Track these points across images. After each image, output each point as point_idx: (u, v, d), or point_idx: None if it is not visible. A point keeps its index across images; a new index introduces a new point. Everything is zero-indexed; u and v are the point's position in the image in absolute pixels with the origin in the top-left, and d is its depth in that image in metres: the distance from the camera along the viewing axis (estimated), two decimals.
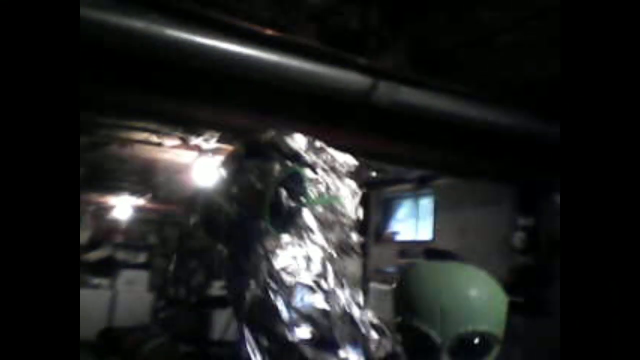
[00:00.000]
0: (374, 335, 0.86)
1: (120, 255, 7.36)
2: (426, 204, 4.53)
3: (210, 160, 4.09)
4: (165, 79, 2.14)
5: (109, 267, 6.99)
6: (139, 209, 6.80)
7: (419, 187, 4.37)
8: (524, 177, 3.11)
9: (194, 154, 4.12)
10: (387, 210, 5.00)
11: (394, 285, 1.14)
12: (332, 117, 2.16)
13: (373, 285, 4.23)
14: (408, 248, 4.50)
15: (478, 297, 1.04)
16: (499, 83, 2.24)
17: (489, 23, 2.06)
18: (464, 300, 1.02)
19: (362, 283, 0.96)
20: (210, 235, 0.94)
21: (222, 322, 4.71)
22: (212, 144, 3.91)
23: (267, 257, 0.82)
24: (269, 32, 2.01)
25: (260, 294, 0.79)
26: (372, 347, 0.84)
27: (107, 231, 7.46)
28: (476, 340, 1.01)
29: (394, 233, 4.89)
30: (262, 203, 0.86)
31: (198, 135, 3.78)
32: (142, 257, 7.38)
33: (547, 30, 1.91)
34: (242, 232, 0.86)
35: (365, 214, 1.07)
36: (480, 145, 2.56)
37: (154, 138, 3.99)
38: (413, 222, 4.71)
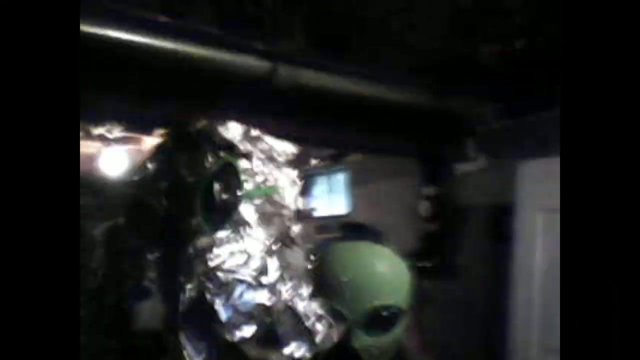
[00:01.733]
0: (319, 327, 0.83)
1: None
2: (340, 179, 4.65)
3: (117, 150, 3.92)
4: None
5: None
6: None
7: (332, 164, 4.46)
8: (425, 151, 3.27)
9: (98, 144, 3.93)
10: (304, 188, 5.06)
11: (310, 267, 1.14)
12: (235, 104, 2.15)
13: None
14: (326, 223, 4.60)
15: (384, 273, 1.09)
16: (396, 63, 2.33)
17: (383, 4, 2.13)
18: (371, 276, 1.08)
19: (306, 273, 0.92)
20: (138, 236, 0.85)
21: (145, 312, 4.59)
22: (117, 133, 3.75)
23: (202, 255, 0.76)
24: (164, 19, 1.96)
25: (196, 295, 0.75)
26: (318, 339, 0.82)
27: None
28: (385, 314, 1.06)
29: (312, 209, 4.98)
30: (193, 198, 0.79)
31: (100, 125, 3.60)
32: None
33: (438, 11, 2.01)
34: (173, 231, 0.80)
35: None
36: (382, 122, 2.66)
37: None
38: (328, 198, 4.82)
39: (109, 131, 3.79)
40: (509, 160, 2.90)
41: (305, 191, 5.15)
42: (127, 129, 3.69)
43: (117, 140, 3.83)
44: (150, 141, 4.19)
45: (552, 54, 2.17)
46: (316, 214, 4.92)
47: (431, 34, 2.02)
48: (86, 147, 4.17)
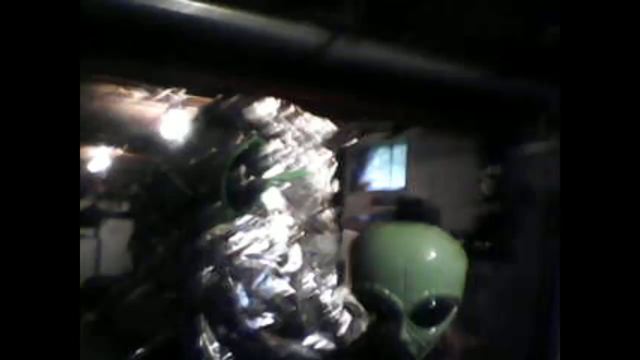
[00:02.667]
0: (346, 317, 0.78)
1: (103, 205, 7.33)
2: (400, 152, 4.54)
3: (180, 112, 4.03)
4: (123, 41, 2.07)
5: (92, 217, 6.98)
6: (118, 160, 6.74)
7: (393, 135, 4.36)
8: (488, 130, 3.11)
9: (164, 106, 4.05)
10: (361, 159, 5.01)
11: (350, 249, 1.07)
12: (288, 75, 2.12)
13: (346, 232, 4.30)
14: (382, 196, 4.55)
15: (442, 260, 1.01)
16: (460, 38, 2.20)
17: None
18: (428, 263, 0.99)
19: (337, 261, 0.86)
20: (156, 212, 0.83)
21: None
22: (181, 95, 3.84)
23: (224, 239, 0.73)
24: None
25: (216, 279, 0.72)
26: (343, 330, 0.77)
27: (87, 182, 7.43)
28: (439, 304, 0.98)
29: (368, 181, 4.93)
30: (219, 180, 0.76)
31: (165, 87, 3.70)
32: (124, 207, 7.37)
33: None
34: (195, 212, 0.77)
35: (341, 162, 0.99)
36: (442, 98, 2.55)
37: (122, 90, 3.91)
38: (387, 171, 4.74)
39: (174, 93, 3.91)
40: None
41: (363, 162, 5.08)
42: (190, 92, 3.78)
43: (181, 103, 3.93)
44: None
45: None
46: (373, 186, 4.87)
47: (494, 9, 1.88)
48: (153, 107, 4.32)
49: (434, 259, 1.01)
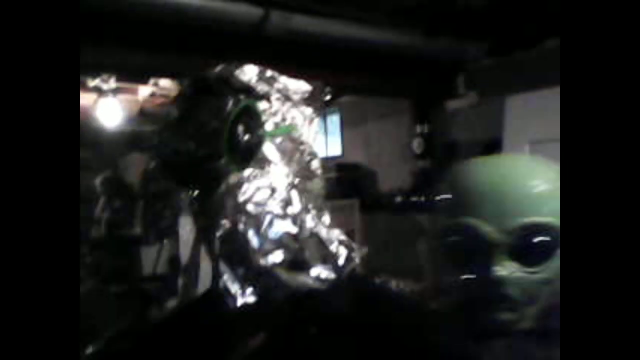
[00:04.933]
0: (342, 251, 0.88)
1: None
2: (333, 121, 4.73)
3: (112, 101, 3.97)
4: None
5: None
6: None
7: (326, 105, 4.52)
8: (416, 90, 3.34)
9: (94, 95, 3.97)
10: None
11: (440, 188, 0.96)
12: (227, 51, 2.21)
13: None
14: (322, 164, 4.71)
15: (537, 183, 0.87)
16: (387, 6, 2.38)
17: None
18: (522, 187, 0.86)
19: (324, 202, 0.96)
20: (167, 178, 0.91)
21: (151, 258, 4.74)
22: (112, 84, 3.79)
23: (232, 192, 0.83)
24: None
25: (230, 227, 0.82)
26: (341, 262, 0.87)
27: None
28: (538, 239, 0.84)
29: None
30: (219, 141, 0.85)
31: (95, 76, 3.64)
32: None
33: None
34: (202, 172, 0.86)
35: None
36: (372, 64, 2.73)
37: None
38: (323, 139, 4.92)
39: (104, 82, 3.84)
40: (497, 96, 2.99)
41: None
42: (122, 79, 3.74)
43: (113, 91, 3.87)
44: (145, 91, 4.20)
45: None
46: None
47: None
48: (82, 98, 4.21)
49: (530, 182, 0.87)
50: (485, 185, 0.85)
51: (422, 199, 3.67)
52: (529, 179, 0.85)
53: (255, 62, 2.04)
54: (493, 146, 2.99)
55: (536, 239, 0.82)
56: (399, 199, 3.76)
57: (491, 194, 0.84)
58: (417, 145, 3.67)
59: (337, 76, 2.96)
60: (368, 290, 0.96)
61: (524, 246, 0.82)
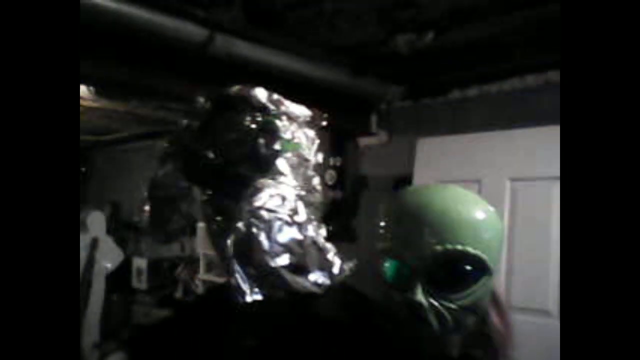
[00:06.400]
0: (337, 260, 0.97)
1: None
2: None
3: None
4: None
5: None
6: None
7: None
8: (335, 125, 3.54)
9: None
10: None
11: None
12: (172, 68, 2.22)
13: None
14: None
15: (459, 212, 0.87)
16: (323, 43, 2.54)
17: None
18: (441, 216, 0.86)
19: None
20: (187, 180, 0.97)
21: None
22: None
23: (248, 198, 0.91)
24: None
25: (245, 230, 0.89)
26: (335, 270, 0.96)
27: None
28: (456, 266, 0.85)
29: None
30: (240, 150, 0.94)
31: None
32: None
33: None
34: (222, 177, 0.94)
35: None
36: (305, 97, 2.86)
37: None
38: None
39: None
40: (408, 136, 3.28)
41: None
42: None
43: None
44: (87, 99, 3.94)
45: (454, 46, 2.52)
46: None
47: (359, 20, 2.26)
48: None
49: (451, 211, 0.87)
50: (410, 211, 0.88)
51: (330, 227, 3.83)
52: (451, 207, 0.87)
53: (199, 81, 2.13)
54: (403, 182, 3.25)
55: (454, 267, 0.85)
56: None
57: (414, 221, 0.87)
58: (329, 176, 3.85)
59: None
60: (360, 298, 1.05)
61: (443, 273, 0.84)
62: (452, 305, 0.86)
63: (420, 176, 3.13)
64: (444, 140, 3.03)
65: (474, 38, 2.36)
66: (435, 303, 0.86)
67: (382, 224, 0.94)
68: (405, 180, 3.21)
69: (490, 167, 2.74)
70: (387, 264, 0.91)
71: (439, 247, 0.85)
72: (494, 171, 2.72)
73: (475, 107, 2.99)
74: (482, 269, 0.87)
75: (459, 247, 0.85)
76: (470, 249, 0.85)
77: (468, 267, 0.86)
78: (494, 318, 0.93)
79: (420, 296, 0.85)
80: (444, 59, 2.69)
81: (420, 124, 3.27)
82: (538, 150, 2.56)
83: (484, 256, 0.86)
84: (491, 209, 0.91)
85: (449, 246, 0.85)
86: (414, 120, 3.32)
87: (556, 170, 2.46)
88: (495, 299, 0.94)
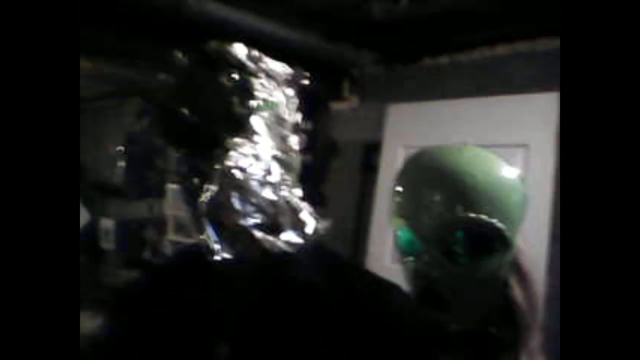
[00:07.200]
0: (311, 220, 0.97)
1: None
2: None
3: None
4: None
5: None
6: None
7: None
8: (312, 89, 3.52)
9: None
10: None
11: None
12: (145, 28, 2.17)
13: None
14: None
15: (473, 177, 0.79)
16: (298, 7, 2.52)
17: None
18: (455, 181, 0.79)
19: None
20: (164, 136, 0.95)
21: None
22: None
23: (222, 157, 0.90)
24: None
25: (217, 189, 0.88)
26: (309, 230, 0.96)
27: None
28: (471, 231, 0.79)
29: None
30: (214, 109, 0.91)
31: None
32: None
33: None
34: (197, 135, 0.91)
35: None
36: (278, 60, 2.84)
37: None
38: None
39: None
40: (379, 102, 3.30)
41: None
42: None
43: None
44: None
45: (429, 14, 2.53)
46: None
47: None
48: None
49: (466, 176, 0.80)
50: (423, 176, 0.83)
51: (304, 193, 3.85)
52: (467, 172, 0.80)
53: (171, 42, 2.11)
54: (373, 148, 3.30)
55: (468, 236, 0.78)
56: None
57: (427, 186, 0.81)
58: (300, 139, 3.86)
59: None
60: (334, 258, 1.08)
61: (456, 243, 0.79)
62: (466, 277, 0.79)
63: (390, 142, 3.18)
64: (414, 106, 3.07)
65: (449, 7, 2.37)
66: (450, 276, 0.79)
67: (397, 188, 0.89)
68: (375, 146, 3.26)
69: (459, 134, 2.80)
70: (399, 232, 0.87)
71: (451, 215, 0.79)
72: (463, 138, 2.78)
73: (447, 75, 3.03)
74: (499, 239, 0.79)
75: (473, 215, 0.78)
76: (485, 218, 0.78)
77: (483, 237, 0.79)
78: (517, 293, 0.84)
79: (435, 271, 0.80)
80: (418, 27, 2.70)
81: (391, 90, 3.29)
82: (506, 118, 2.64)
83: (500, 225, 0.79)
84: (514, 172, 0.81)
85: (462, 214, 0.78)
86: (385, 86, 3.34)
87: (523, 138, 2.55)
88: (520, 272, 0.86)
